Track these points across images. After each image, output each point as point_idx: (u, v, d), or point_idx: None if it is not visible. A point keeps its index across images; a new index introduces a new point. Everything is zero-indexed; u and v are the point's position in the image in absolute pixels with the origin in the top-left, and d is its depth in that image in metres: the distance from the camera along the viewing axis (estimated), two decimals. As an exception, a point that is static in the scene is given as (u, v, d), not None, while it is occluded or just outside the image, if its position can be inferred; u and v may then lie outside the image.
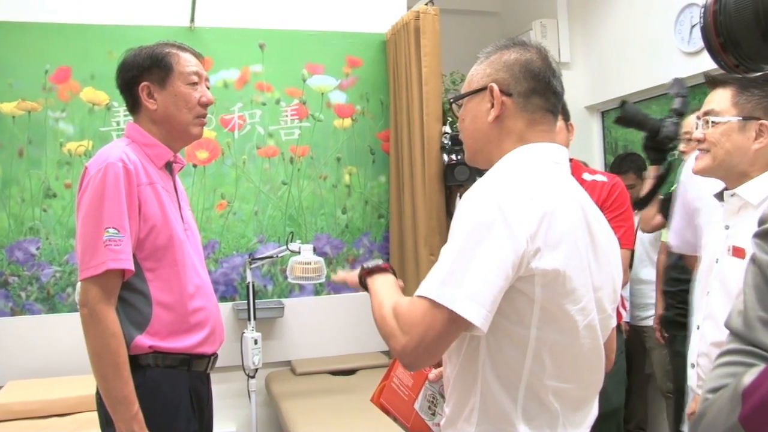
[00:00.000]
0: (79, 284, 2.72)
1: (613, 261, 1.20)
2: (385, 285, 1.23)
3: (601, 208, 1.97)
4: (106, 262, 1.48)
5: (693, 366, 1.63)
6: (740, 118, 1.52)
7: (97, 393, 1.59)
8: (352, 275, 1.35)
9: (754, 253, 0.64)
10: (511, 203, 1.03)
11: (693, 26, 3.02)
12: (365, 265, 1.29)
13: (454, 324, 1.01)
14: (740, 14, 0.67)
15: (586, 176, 2.10)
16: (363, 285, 1.28)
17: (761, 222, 0.64)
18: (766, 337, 0.60)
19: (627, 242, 2.10)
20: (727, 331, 0.65)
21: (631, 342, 3.20)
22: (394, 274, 1.29)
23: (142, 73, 1.63)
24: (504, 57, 1.19)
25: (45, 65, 3.27)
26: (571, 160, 2.14)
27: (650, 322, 3.13)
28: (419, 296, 1.04)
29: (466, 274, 1.01)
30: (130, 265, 1.52)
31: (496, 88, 1.16)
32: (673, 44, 3.14)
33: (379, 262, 1.30)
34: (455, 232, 1.06)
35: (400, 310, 1.08)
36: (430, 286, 1.03)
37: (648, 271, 3.21)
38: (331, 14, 3.67)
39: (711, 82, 1.62)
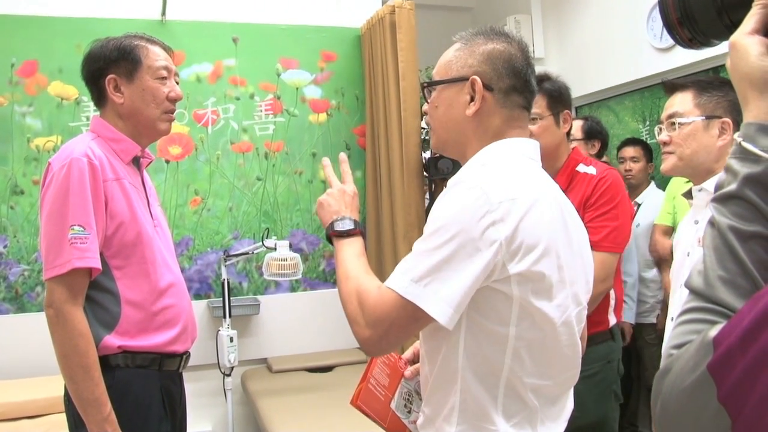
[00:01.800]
0: (47, 283, 2.63)
1: (586, 253, 1.21)
2: (352, 255, 1.18)
3: (585, 204, 1.92)
4: (72, 261, 1.44)
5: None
6: (704, 117, 1.58)
7: (65, 395, 1.55)
8: (333, 205, 1.25)
9: (712, 216, 0.66)
10: (491, 203, 1.02)
11: (665, 22, 3.06)
12: (337, 229, 1.22)
13: (419, 320, 1.03)
14: None
15: (581, 168, 1.98)
16: (329, 240, 1.24)
17: (717, 188, 0.66)
18: (726, 295, 0.62)
19: (612, 245, 1.89)
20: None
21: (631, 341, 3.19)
22: (363, 236, 1.24)
23: (109, 65, 1.59)
24: (487, 47, 1.16)
25: (11, 59, 3.18)
26: (573, 148, 2.08)
27: (649, 320, 3.16)
28: (388, 288, 1.04)
29: (437, 273, 1.01)
30: (97, 264, 1.48)
31: (479, 81, 1.13)
32: (645, 40, 3.18)
33: (350, 225, 1.22)
34: (431, 227, 1.05)
35: (366, 299, 1.07)
36: (401, 281, 1.03)
37: (650, 272, 3.21)
38: (305, 8, 3.64)
39: (670, 87, 1.68)
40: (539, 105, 1.92)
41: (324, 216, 1.27)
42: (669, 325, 1.67)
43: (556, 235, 1.09)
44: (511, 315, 1.05)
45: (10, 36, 3.17)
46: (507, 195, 1.03)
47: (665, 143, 1.63)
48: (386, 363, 1.32)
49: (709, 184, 1.57)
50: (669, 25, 0.76)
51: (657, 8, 3.04)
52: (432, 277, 1.01)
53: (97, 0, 3.29)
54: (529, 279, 1.04)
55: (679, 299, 1.62)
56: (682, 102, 1.62)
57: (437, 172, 3.19)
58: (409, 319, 1.03)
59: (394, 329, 1.04)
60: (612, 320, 2.02)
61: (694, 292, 0.65)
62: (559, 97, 1.96)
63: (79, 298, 1.47)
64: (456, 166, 3.05)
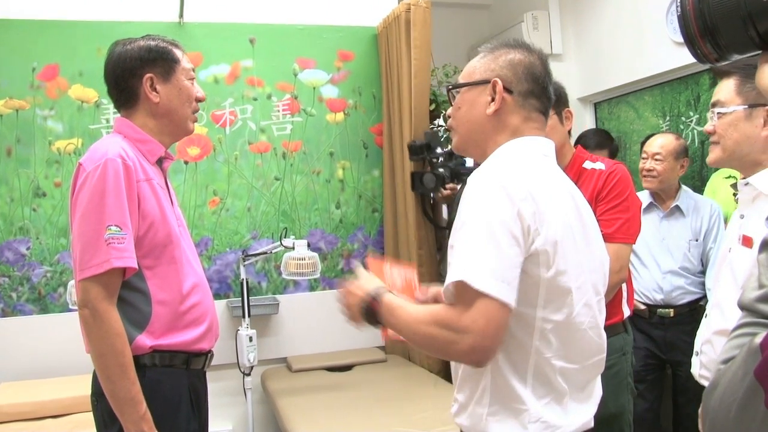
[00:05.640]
0: (71, 284, 2.67)
1: (601, 245, 1.29)
2: (399, 304, 1.20)
3: (596, 198, 1.95)
4: (110, 261, 1.44)
5: (697, 354, 1.65)
6: (746, 106, 1.51)
7: (93, 395, 1.56)
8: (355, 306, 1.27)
9: None
10: (514, 188, 1.10)
11: (685, 16, 3.02)
12: (365, 303, 1.23)
13: (504, 310, 1.06)
14: (722, 1, 0.68)
15: (587, 164, 2.02)
16: (373, 319, 1.23)
17: None
18: None
19: (625, 236, 1.93)
20: (732, 319, 0.67)
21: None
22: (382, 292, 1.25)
23: (146, 64, 1.59)
24: (509, 56, 1.26)
25: (32, 63, 3.23)
26: (576, 146, 2.12)
27: None
28: (458, 285, 1.07)
29: (495, 260, 1.06)
30: (134, 263, 1.48)
31: (500, 83, 1.23)
32: (664, 34, 3.14)
33: (374, 295, 1.23)
34: (471, 220, 1.10)
35: (445, 317, 1.09)
36: (480, 276, 1.05)
37: None
38: (321, 8, 3.65)
39: (716, 73, 1.61)
40: None
41: (353, 307, 1.28)
42: (703, 322, 1.65)
43: (572, 224, 1.18)
44: (538, 297, 1.12)
45: (31, 40, 3.22)
46: (524, 187, 1.11)
47: (710, 133, 1.58)
48: (403, 277, 1.40)
49: (755, 179, 1.51)
50: (689, 39, 0.73)
51: (675, 1, 3.04)
52: (490, 262, 1.06)
53: (117, 4, 3.33)
54: (549, 258, 1.11)
55: (715, 295, 1.60)
56: (725, 90, 1.56)
57: (422, 187, 3.14)
58: (498, 310, 1.05)
59: (492, 325, 1.05)
60: (626, 312, 2.06)
61: (746, 309, 0.64)
62: (560, 97, 2.01)
63: (113, 297, 1.48)
64: (438, 182, 3.06)
